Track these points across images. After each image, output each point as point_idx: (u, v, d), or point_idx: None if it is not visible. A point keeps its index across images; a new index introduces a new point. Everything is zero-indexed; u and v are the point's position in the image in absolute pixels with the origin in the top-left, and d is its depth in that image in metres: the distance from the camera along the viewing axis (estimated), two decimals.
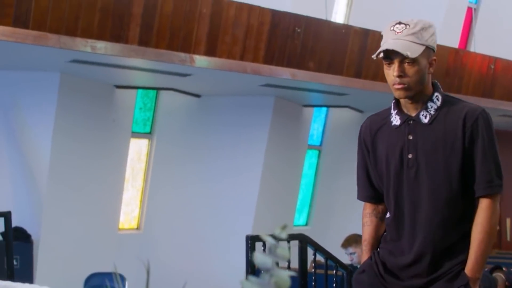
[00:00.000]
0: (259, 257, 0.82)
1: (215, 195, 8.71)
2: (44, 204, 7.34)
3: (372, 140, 2.75)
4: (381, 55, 2.57)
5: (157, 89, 8.70)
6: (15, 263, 4.74)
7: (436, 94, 2.66)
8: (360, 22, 8.32)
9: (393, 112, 2.70)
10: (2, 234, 4.78)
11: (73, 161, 7.54)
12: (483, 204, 2.63)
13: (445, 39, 8.44)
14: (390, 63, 2.58)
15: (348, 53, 7.70)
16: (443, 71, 8.49)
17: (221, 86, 8.43)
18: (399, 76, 2.56)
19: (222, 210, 8.69)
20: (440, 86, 2.70)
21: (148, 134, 8.82)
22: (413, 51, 2.55)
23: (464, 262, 2.63)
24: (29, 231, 7.22)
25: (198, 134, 8.80)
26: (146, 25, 6.44)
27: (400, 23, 2.61)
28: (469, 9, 10.61)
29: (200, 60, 6.84)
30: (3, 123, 7.32)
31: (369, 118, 2.80)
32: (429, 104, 2.64)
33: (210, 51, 6.89)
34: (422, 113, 2.64)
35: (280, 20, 7.29)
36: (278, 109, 8.83)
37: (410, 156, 2.64)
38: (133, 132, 8.52)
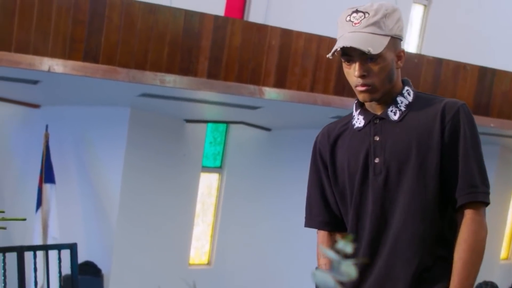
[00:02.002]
0: (320, 276, 0.68)
1: (287, 230, 8.55)
2: (114, 239, 7.33)
3: (331, 150, 2.23)
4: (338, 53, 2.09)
5: (227, 122, 8.65)
6: None
7: (406, 88, 2.18)
8: (433, 51, 8.12)
9: (356, 113, 2.21)
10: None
11: (143, 195, 7.53)
12: (468, 216, 2.08)
13: None
14: (350, 61, 2.09)
15: (421, 82, 7.50)
16: None
17: (291, 119, 8.33)
18: (362, 77, 2.07)
19: (293, 245, 8.52)
20: (411, 83, 2.23)
21: (218, 169, 8.76)
22: (375, 45, 2.06)
23: None
24: (99, 265, 7.20)
25: (268, 168, 8.69)
26: (214, 58, 6.40)
27: (357, 11, 2.10)
28: None
29: (270, 92, 6.76)
30: (75, 158, 7.38)
31: (326, 126, 2.29)
32: (399, 99, 2.16)
33: (280, 83, 6.80)
34: (390, 109, 2.15)
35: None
36: None
37: (376, 160, 2.13)
38: (203, 167, 8.48)
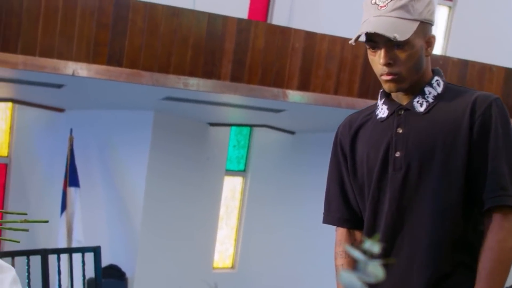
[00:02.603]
0: (346, 277, 0.66)
1: (311, 234, 8.51)
2: (138, 242, 7.34)
3: (351, 141, 2.06)
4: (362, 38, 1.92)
5: (251, 126, 8.64)
6: None
7: (436, 78, 1.98)
8: (458, 53, 8.05)
9: (380, 102, 2.04)
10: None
11: (167, 199, 7.53)
12: (495, 222, 1.87)
13: None
14: (375, 47, 1.92)
15: None
16: None
17: (315, 122, 8.29)
18: (388, 65, 1.90)
19: (317, 249, 8.47)
20: (442, 73, 2.04)
21: (242, 172, 8.74)
22: (403, 31, 1.88)
23: None
24: (124, 269, 7.21)
25: (292, 171, 8.65)
26: (238, 61, 6.39)
27: None
28: None
29: (293, 95, 6.73)
30: (99, 161, 7.40)
31: (349, 116, 2.13)
32: (427, 90, 1.97)
33: (303, 86, 6.77)
34: (417, 99, 1.96)
35: None
36: None
37: (397, 154, 1.95)
38: (227, 170, 8.46)
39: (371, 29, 1.88)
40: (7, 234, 6.51)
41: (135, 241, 7.36)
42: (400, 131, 1.97)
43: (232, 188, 8.68)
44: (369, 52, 1.94)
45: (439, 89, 1.98)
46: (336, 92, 6.92)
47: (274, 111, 7.41)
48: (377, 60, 1.92)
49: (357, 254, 0.69)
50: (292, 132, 8.79)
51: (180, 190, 7.66)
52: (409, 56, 1.91)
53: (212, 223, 8.24)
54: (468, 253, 1.93)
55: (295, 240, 8.58)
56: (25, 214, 1.77)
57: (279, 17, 8.22)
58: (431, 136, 1.93)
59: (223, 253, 8.64)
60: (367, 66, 7.08)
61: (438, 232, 1.92)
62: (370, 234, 2.01)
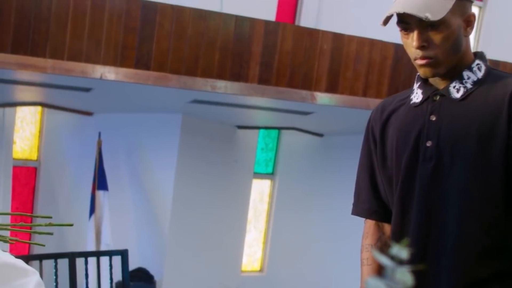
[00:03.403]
0: (372, 285, 0.62)
1: (339, 237, 8.45)
2: (167, 245, 7.34)
3: (382, 127, 1.89)
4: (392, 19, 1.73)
5: (279, 128, 8.60)
6: None
7: (477, 62, 1.80)
8: (489, 53, 7.94)
9: (415, 86, 1.86)
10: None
11: (195, 202, 7.53)
12: None
13: None
14: (407, 29, 1.75)
15: None
16: None
17: (343, 124, 8.24)
18: (421, 48, 1.73)
19: (346, 252, 8.41)
20: (485, 56, 1.84)
21: (270, 175, 8.71)
22: (436, 9, 1.69)
23: None
24: (152, 272, 7.21)
25: (321, 174, 8.61)
26: (266, 63, 6.36)
27: None
28: None
29: (321, 97, 6.69)
30: (127, 165, 7.42)
31: (383, 100, 1.97)
32: (466, 74, 1.78)
33: (332, 88, 6.73)
34: (453, 84, 1.78)
35: (403, 54, 7.03)
36: None
37: (428, 144, 1.77)
38: (255, 173, 8.44)
39: (401, 9, 1.71)
40: (37, 238, 6.55)
41: (163, 244, 7.36)
42: (433, 118, 1.79)
43: (260, 191, 8.65)
44: (402, 34, 1.78)
45: (480, 74, 1.79)
46: (364, 94, 6.87)
47: (302, 114, 7.38)
48: (410, 43, 1.76)
49: (383, 259, 0.65)
50: (320, 135, 8.74)
51: (208, 193, 7.65)
52: (445, 37, 1.73)
53: (240, 226, 8.22)
54: (509, 261, 1.73)
55: (323, 243, 8.53)
56: (50, 217, 1.76)
57: (307, 18, 8.18)
58: (465, 126, 1.74)
59: (252, 256, 8.62)
60: (395, 67, 7.02)
61: (471, 232, 1.73)
62: (396, 233, 1.86)
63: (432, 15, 1.69)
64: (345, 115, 7.52)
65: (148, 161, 7.37)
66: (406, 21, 1.74)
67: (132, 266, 6.63)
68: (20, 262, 1.53)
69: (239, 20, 6.11)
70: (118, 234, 6.81)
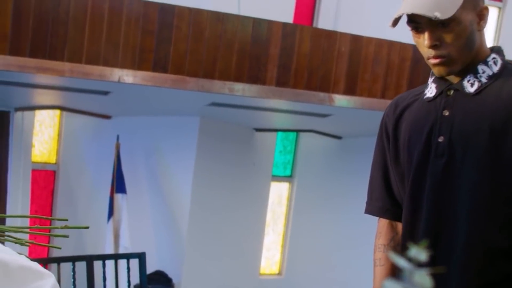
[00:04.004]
0: (389, 287, 0.60)
1: (358, 240, 8.41)
2: (185, 248, 7.34)
3: (395, 122, 1.84)
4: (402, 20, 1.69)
5: (297, 131, 8.58)
6: None
7: (493, 56, 1.74)
8: (509, 54, 7.87)
9: (430, 80, 1.81)
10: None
11: (213, 204, 7.52)
12: None
13: None
14: (418, 29, 1.71)
15: None
16: None
17: (362, 126, 8.20)
18: (434, 47, 1.68)
19: (365, 255, 8.37)
20: (503, 51, 1.78)
21: (288, 178, 8.69)
22: (445, 7, 1.63)
23: None
24: (170, 275, 7.21)
25: (339, 176, 8.57)
26: (283, 65, 6.35)
27: None
28: None
29: (340, 99, 6.66)
30: (145, 168, 7.43)
31: (397, 96, 1.93)
32: (481, 68, 1.72)
33: (350, 90, 6.70)
34: (468, 78, 1.72)
35: (422, 55, 6.99)
36: None
37: (440, 139, 1.72)
38: (273, 176, 8.42)
39: (409, 10, 1.67)
40: (55, 241, 6.58)
41: (182, 247, 7.36)
42: (446, 113, 1.74)
43: (278, 194, 8.63)
44: (413, 34, 1.74)
45: (495, 68, 1.74)
46: (383, 96, 6.83)
47: (321, 116, 7.35)
48: (422, 42, 1.71)
49: (401, 262, 0.63)
50: (338, 137, 8.71)
51: (226, 196, 7.64)
52: (458, 35, 1.68)
53: (258, 229, 8.20)
54: None
55: (342, 246, 8.49)
56: (66, 220, 1.75)
57: (324, 20, 8.16)
58: (478, 121, 1.68)
59: (270, 259, 8.59)
60: (414, 68, 6.97)
61: (480, 232, 1.67)
62: (407, 230, 1.80)
63: (441, 14, 1.64)
64: (363, 117, 7.48)
65: (166, 164, 7.38)
66: (416, 21, 1.70)
67: (150, 269, 6.64)
68: (36, 265, 1.52)
69: (257, 22, 6.10)
70: (136, 237, 6.82)
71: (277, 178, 8.53)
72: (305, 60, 6.48)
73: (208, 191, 7.46)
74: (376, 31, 6.80)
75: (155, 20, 5.70)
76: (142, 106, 7.09)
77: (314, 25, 8.25)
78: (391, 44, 6.79)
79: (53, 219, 1.84)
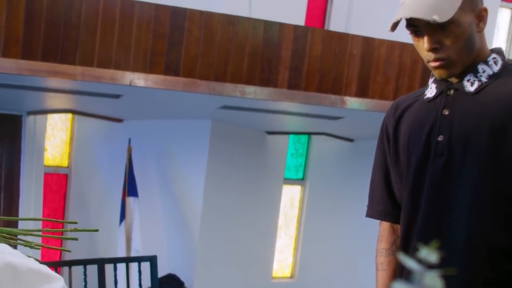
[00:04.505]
0: None
1: (371, 243, 8.37)
2: (197, 251, 7.33)
3: (395, 124, 1.84)
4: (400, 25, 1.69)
5: (309, 134, 8.56)
6: None
7: (494, 56, 1.74)
8: None
9: (430, 81, 1.81)
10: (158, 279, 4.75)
11: (225, 208, 7.51)
12: None
13: None
14: (417, 32, 1.70)
15: None
16: None
17: (374, 129, 8.14)
18: (433, 50, 1.68)
19: None
20: (504, 52, 1.78)
21: (300, 181, 8.67)
22: (443, 10, 1.63)
23: None
24: (182, 278, 7.20)
25: (351, 179, 8.54)
26: (295, 68, 6.33)
27: None
28: None
29: (352, 102, 6.63)
30: (157, 171, 7.43)
31: (399, 98, 1.93)
32: (481, 67, 1.72)
33: (362, 92, 6.67)
34: (468, 78, 1.72)
35: None
36: None
37: (440, 138, 1.71)
38: (285, 179, 8.40)
39: (407, 14, 1.66)
40: (67, 244, 6.58)
41: (194, 250, 7.35)
42: (446, 112, 1.73)
43: (290, 197, 8.61)
44: (412, 37, 1.73)
45: (496, 68, 1.73)
46: (395, 98, 6.77)
47: (332, 119, 7.33)
48: (422, 45, 1.71)
49: (411, 263, 0.62)
50: (351, 140, 8.68)
51: (238, 199, 7.63)
52: (457, 37, 1.67)
53: (270, 232, 8.18)
54: None
55: (354, 250, 8.46)
56: (76, 223, 1.75)
57: (336, 23, 8.14)
58: (478, 120, 1.67)
59: (282, 262, 8.57)
60: (426, 70, 6.94)
61: (481, 232, 1.65)
62: (405, 229, 1.77)
63: (440, 17, 1.63)
64: (375, 120, 7.43)
65: (177, 167, 7.38)
66: (415, 25, 1.70)
67: (162, 272, 6.64)
68: (45, 268, 1.51)
69: (268, 25, 6.09)
70: (148, 241, 6.82)
71: (289, 181, 8.51)
72: (317, 63, 6.46)
73: (220, 194, 7.45)
74: (388, 33, 6.77)
75: (166, 23, 5.70)
76: (153, 109, 7.09)
77: (326, 27, 8.23)
78: (403, 46, 6.76)
79: (63, 222, 1.84)
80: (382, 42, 6.67)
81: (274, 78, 6.28)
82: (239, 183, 7.64)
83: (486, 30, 1.76)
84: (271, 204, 8.15)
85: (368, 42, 6.65)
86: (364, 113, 6.93)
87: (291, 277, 8.61)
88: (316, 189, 8.57)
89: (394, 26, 1.71)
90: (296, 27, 6.25)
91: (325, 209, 8.52)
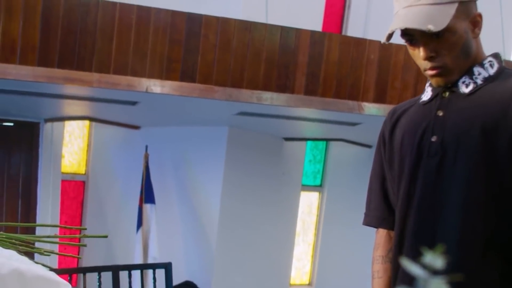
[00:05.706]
0: None
1: None
2: (214, 258, 7.30)
3: (392, 128, 1.86)
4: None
5: (327, 140, 8.52)
6: None
7: (490, 59, 1.75)
8: None
9: (427, 85, 1.83)
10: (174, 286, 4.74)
11: (242, 214, 7.48)
12: None
13: None
14: (413, 41, 1.71)
15: None
16: None
17: None
18: (430, 59, 1.69)
19: None
20: (501, 57, 1.78)
21: (318, 187, 8.62)
22: (438, 19, 1.63)
23: None
24: (200, 285, 7.18)
25: None
26: (312, 73, 6.30)
27: None
28: None
29: (369, 108, 6.59)
30: (174, 178, 7.42)
31: (399, 104, 1.96)
32: (476, 70, 1.72)
33: (380, 98, 6.62)
34: (463, 79, 1.72)
35: None
36: None
37: (433, 139, 1.72)
38: (303, 185, 8.36)
39: (402, 25, 1.67)
40: (85, 252, 6.58)
41: (211, 257, 7.32)
42: (440, 114, 1.74)
43: (308, 203, 8.57)
44: (408, 46, 1.74)
45: (491, 71, 1.74)
46: None
47: (350, 125, 7.28)
48: (418, 54, 1.72)
49: (415, 269, 0.59)
50: (369, 146, 8.62)
51: (255, 206, 7.60)
52: (453, 45, 1.68)
53: (288, 239, 8.14)
54: None
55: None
56: (85, 229, 1.73)
57: (354, 28, 8.10)
58: (470, 120, 1.68)
59: (300, 270, 8.53)
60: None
61: (474, 231, 1.64)
62: (399, 230, 1.77)
63: (434, 26, 1.64)
64: None
65: (195, 174, 7.36)
66: (409, 34, 1.71)
67: (179, 279, 6.62)
68: (52, 275, 1.50)
69: (285, 30, 6.06)
70: (165, 248, 6.80)
71: (307, 187, 8.47)
72: (334, 68, 6.42)
73: (237, 201, 7.42)
74: None
75: (182, 29, 5.69)
76: (170, 116, 7.09)
77: (343, 33, 8.20)
78: None
79: (73, 228, 1.83)
80: (400, 47, 6.62)
81: (291, 84, 6.25)
82: (256, 189, 7.61)
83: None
84: (289, 211, 8.11)
85: (385, 47, 6.60)
86: (382, 119, 6.81)
87: (309, 284, 8.56)
88: (334, 196, 8.53)
89: (389, 37, 1.72)
90: (313, 32, 6.22)
91: (343, 215, 8.46)
